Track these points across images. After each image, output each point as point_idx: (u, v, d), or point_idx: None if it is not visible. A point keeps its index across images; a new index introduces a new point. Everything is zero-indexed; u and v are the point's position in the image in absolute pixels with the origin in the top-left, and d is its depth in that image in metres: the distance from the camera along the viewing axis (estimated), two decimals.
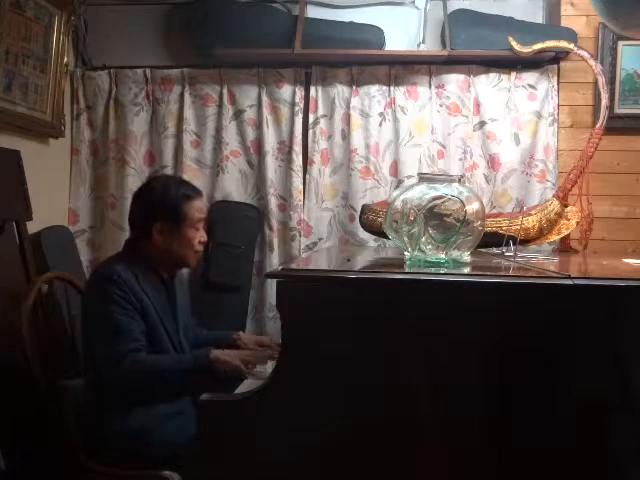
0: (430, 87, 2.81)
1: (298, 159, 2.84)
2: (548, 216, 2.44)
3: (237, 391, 1.59)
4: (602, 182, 2.70)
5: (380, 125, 2.81)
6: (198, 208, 1.88)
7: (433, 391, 1.31)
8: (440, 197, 1.57)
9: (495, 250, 2.15)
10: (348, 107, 2.81)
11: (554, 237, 2.48)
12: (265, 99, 2.85)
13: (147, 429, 1.73)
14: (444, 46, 2.78)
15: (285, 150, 2.86)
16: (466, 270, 1.56)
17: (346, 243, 2.83)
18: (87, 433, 1.81)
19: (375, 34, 2.78)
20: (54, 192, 2.78)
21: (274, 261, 2.83)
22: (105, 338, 1.71)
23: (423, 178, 1.67)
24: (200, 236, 1.89)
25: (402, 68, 2.81)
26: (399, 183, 2.79)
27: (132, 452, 1.73)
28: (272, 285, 2.67)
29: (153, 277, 1.85)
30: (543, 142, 2.77)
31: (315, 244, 2.85)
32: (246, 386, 1.66)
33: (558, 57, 2.75)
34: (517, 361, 1.31)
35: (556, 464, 1.30)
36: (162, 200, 1.83)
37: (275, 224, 2.84)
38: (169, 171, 2.87)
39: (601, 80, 2.50)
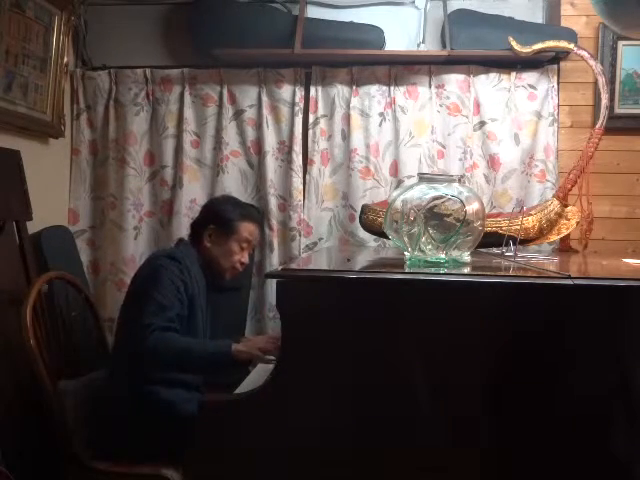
0: (430, 87, 2.81)
1: (298, 159, 2.84)
2: (548, 216, 2.44)
3: (237, 391, 1.59)
4: (602, 182, 2.70)
5: (380, 125, 2.81)
6: (249, 230, 2.07)
7: (433, 391, 1.31)
8: (440, 197, 1.57)
9: (495, 250, 2.15)
10: (348, 107, 2.81)
11: (554, 237, 2.47)
12: (265, 99, 2.85)
13: (177, 403, 1.80)
14: (444, 46, 2.78)
15: (285, 150, 2.86)
16: (466, 270, 1.56)
17: (346, 243, 2.83)
18: (105, 414, 1.85)
19: (375, 34, 2.78)
20: (54, 192, 2.78)
21: (274, 261, 2.82)
22: (145, 308, 1.78)
23: (423, 178, 1.67)
24: (242, 256, 2.06)
25: (402, 68, 2.81)
26: (399, 183, 2.79)
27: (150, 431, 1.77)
28: (272, 285, 2.66)
29: (200, 274, 2.00)
30: (543, 142, 2.77)
31: (315, 244, 2.85)
32: (246, 386, 1.66)
33: (558, 57, 2.75)
34: (517, 361, 1.31)
35: (557, 464, 1.30)
36: (221, 211, 2.07)
37: (275, 224, 2.84)
38: (169, 171, 2.86)
39: (601, 80, 2.50)
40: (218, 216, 2.06)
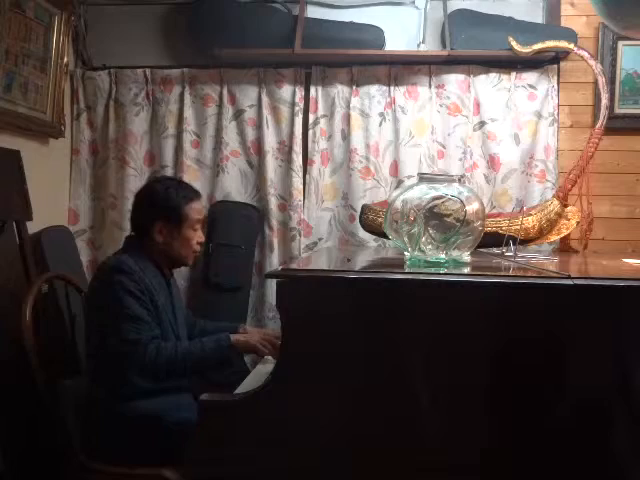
0: (430, 87, 2.81)
1: (298, 159, 2.84)
2: (548, 216, 2.44)
3: (237, 391, 1.59)
4: (602, 182, 2.70)
5: (380, 125, 2.81)
6: (197, 210, 1.96)
7: (433, 391, 1.31)
8: (440, 197, 1.57)
9: (495, 250, 2.15)
10: (348, 107, 2.81)
11: (554, 237, 2.48)
12: (265, 99, 2.85)
13: (162, 414, 1.75)
14: (444, 46, 2.78)
15: (285, 150, 2.86)
16: (466, 270, 1.56)
17: (346, 243, 2.83)
18: (94, 426, 1.81)
19: (375, 34, 2.78)
20: (54, 192, 2.78)
21: (274, 261, 2.83)
22: (125, 326, 1.73)
23: (423, 178, 1.67)
24: (198, 237, 1.97)
25: (402, 68, 2.81)
26: (399, 183, 2.79)
27: (141, 441, 1.74)
28: (272, 285, 2.67)
29: (156, 272, 1.92)
30: (543, 142, 2.77)
31: (315, 244, 2.85)
32: (246, 386, 1.66)
33: (558, 57, 2.75)
34: (517, 361, 1.31)
35: (557, 464, 1.30)
36: (164, 201, 1.91)
37: (275, 224, 2.84)
38: (169, 171, 2.87)
39: (601, 80, 2.50)
40: (164, 208, 1.91)
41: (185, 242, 1.93)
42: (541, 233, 2.43)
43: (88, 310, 1.93)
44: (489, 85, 2.80)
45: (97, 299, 1.85)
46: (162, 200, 1.92)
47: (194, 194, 1.98)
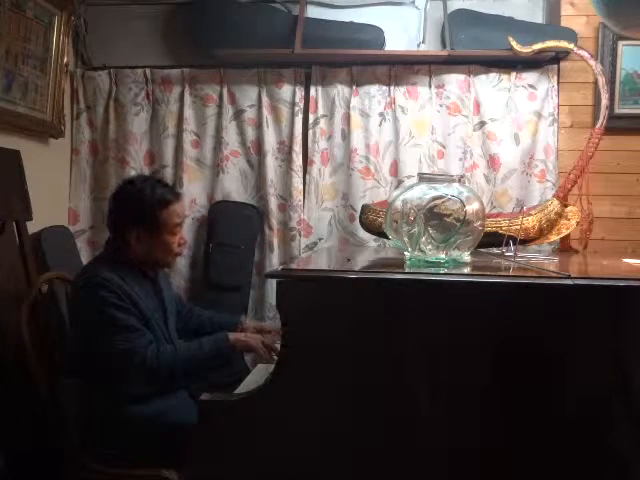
0: (430, 87, 2.81)
1: (298, 159, 2.84)
2: (548, 216, 2.44)
3: (237, 391, 1.59)
4: (602, 182, 2.70)
5: (380, 125, 2.81)
6: (176, 213, 1.85)
7: (433, 391, 1.31)
8: (440, 197, 1.57)
9: (495, 250, 2.15)
10: (348, 107, 2.81)
11: (554, 237, 2.47)
12: (265, 99, 2.85)
13: (162, 415, 1.75)
14: (444, 46, 2.78)
15: (285, 150, 2.86)
16: (466, 270, 1.56)
17: (346, 243, 2.83)
18: (94, 428, 1.81)
19: (375, 34, 2.78)
20: (54, 192, 2.78)
21: (274, 261, 2.83)
22: (115, 338, 1.70)
23: (423, 178, 1.67)
24: (179, 238, 1.88)
25: (402, 68, 2.81)
26: (399, 183, 2.79)
27: (143, 443, 1.74)
28: (272, 285, 2.67)
29: (138, 276, 1.85)
30: (543, 142, 2.77)
31: (315, 244, 2.85)
32: (246, 386, 1.66)
33: (558, 57, 2.75)
34: (517, 361, 1.31)
35: (557, 464, 1.30)
36: (139, 207, 1.80)
37: (275, 224, 2.84)
38: (169, 171, 2.87)
39: (601, 80, 2.50)
40: (139, 215, 1.80)
41: (165, 248, 1.84)
42: (541, 233, 2.43)
43: (73, 324, 1.88)
44: (489, 85, 2.80)
45: (81, 315, 1.81)
46: (137, 206, 1.80)
47: (172, 196, 1.85)
